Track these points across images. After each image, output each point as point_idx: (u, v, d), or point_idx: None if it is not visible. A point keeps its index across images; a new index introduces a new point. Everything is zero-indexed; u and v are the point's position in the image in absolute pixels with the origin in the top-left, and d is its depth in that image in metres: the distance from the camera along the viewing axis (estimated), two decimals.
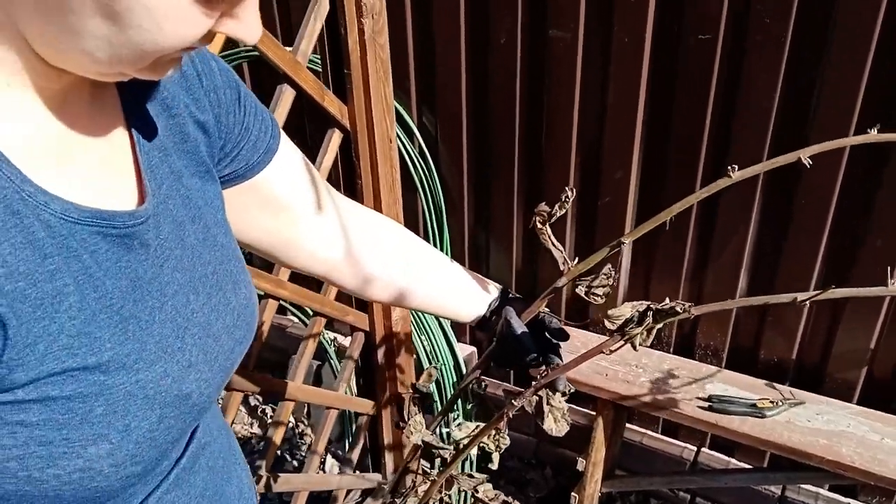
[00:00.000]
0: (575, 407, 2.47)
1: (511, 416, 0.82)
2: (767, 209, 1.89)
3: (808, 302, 0.58)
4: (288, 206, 0.84)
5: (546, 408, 0.82)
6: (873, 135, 0.72)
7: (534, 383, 0.81)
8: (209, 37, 0.54)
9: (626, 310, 0.69)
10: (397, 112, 2.26)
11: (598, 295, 0.74)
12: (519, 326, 0.89)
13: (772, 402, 1.89)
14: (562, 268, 0.78)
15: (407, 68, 2.22)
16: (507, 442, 0.96)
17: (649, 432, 2.38)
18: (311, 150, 1.64)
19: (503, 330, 0.91)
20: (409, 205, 2.31)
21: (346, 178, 1.69)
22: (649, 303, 0.68)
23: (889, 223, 1.75)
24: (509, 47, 2.01)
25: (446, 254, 2.38)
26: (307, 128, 2.47)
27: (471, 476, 0.93)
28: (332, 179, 1.69)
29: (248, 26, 0.54)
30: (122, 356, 0.56)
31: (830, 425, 1.84)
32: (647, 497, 2.41)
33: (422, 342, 2.36)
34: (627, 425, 2.34)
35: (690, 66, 1.81)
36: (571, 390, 0.81)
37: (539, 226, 0.78)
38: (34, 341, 0.50)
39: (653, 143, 1.96)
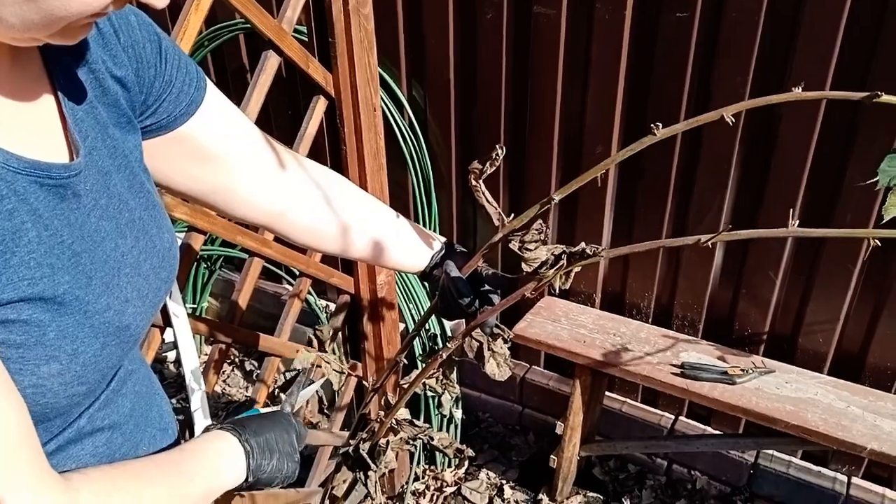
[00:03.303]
0: (558, 375, 2.54)
1: (445, 357, 0.86)
2: (742, 184, 1.95)
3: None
4: (217, 156, 0.86)
5: (487, 353, 0.86)
6: (797, 93, 0.77)
7: (468, 327, 0.85)
8: (119, 3, 0.57)
9: (541, 253, 0.74)
10: (388, 85, 2.32)
11: (530, 249, 0.78)
12: (456, 274, 0.93)
13: (742, 370, 1.96)
14: (496, 223, 0.82)
15: (397, 43, 2.27)
16: (456, 390, 1.00)
17: (629, 401, 2.45)
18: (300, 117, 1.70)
19: (444, 281, 0.94)
20: (398, 177, 2.37)
21: (332, 145, 1.75)
22: (564, 246, 0.73)
23: (857, 199, 1.80)
24: (495, 23, 2.06)
25: (434, 225, 2.44)
26: (301, 97, 2.53)
27: (412, 423, 0.98)
28: (319, 146, 1.75)
29: None
30: (75, 288, 0.63)
31: (798, 393, 1.91)
32: (626, 463, 2.48)
33: (410, 310, 2.43)
34: (608, 394, 2.41)
35: (669, 43, 1.86)
36: (510, 336, 0.85)
37: (473, 182, 0.81)
38: (1, 273, 0.57)
39: (632, 119, 2.01)
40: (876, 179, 0.70)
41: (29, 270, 0.59)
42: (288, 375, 1.06)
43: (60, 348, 0.62)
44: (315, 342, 1.04)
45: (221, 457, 0.82)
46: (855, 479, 2.16)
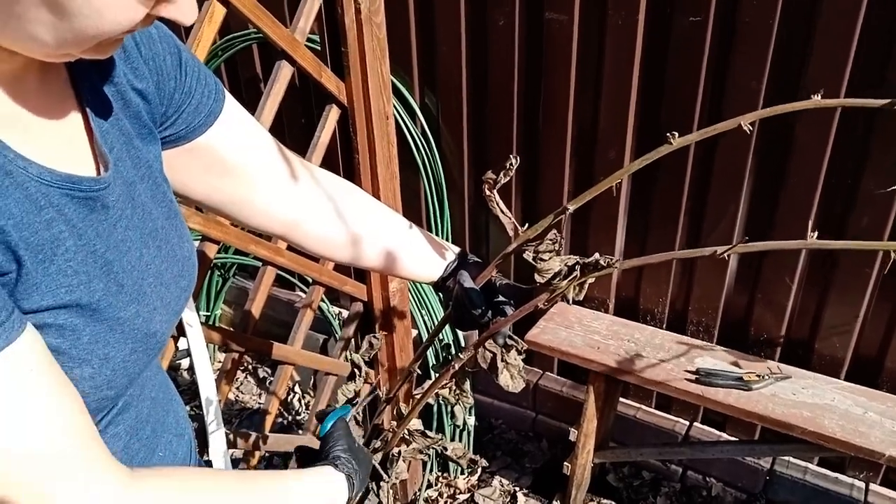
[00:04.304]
0: (571, 382, 2.53)
1: (458, 368, 0.86)
2: (757, 189, 1.93)
3: (731, 256, 0.62)
4: (236, 166, 0.87)
5: (501, 364, 0.85)
6: (815, 100, 0.76)
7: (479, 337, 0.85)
8: (149, 19, 0.59)
9: (555, 264, 0.74)
10: (400, 93, 2.32)
11: (544, 259, 0.78)
12: (469, 284, 0.93)
13: (758, 375, 1.94)
14: (510, 234, 0.81)
15: (409, 50, 2.28)
16: (470, 400, 1.00)
17: (643, 407, 2.43)
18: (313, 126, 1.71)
19: (457, 291, 0.94)
20: (411, 184, 2.37)
21: (345, 154, 1.75)
22: (577, 257, 0.73)
23: (874, 203, 1.78)
24: (507, 30, 2.06)
25: (447, 232, 2.44)
26: (314, 107, 2.54)
27: (425, 435, 0.98)
28: (332, 155, 1.76)
29: (183, 9, 0.59)
30: (108, 296, 0.65)
31: (815, 398, 1.89)
32: (640, 469, 2.46)
33: (422, 318, 2.43)
34: (622, 400, 2.40)
35: (682, 48, 1.86)
36: (524, 347, 0.85)
37: (487, 192, 0.81)
38: (39, 281, 0.59)
39: (645, 124, 2.00)
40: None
41: (66, 278, 0.61)
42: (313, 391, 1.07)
43: (93, 352, 0.64)
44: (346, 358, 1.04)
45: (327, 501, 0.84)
46: (873, 486, 2.14)
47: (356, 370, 1.02)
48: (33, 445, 0.56)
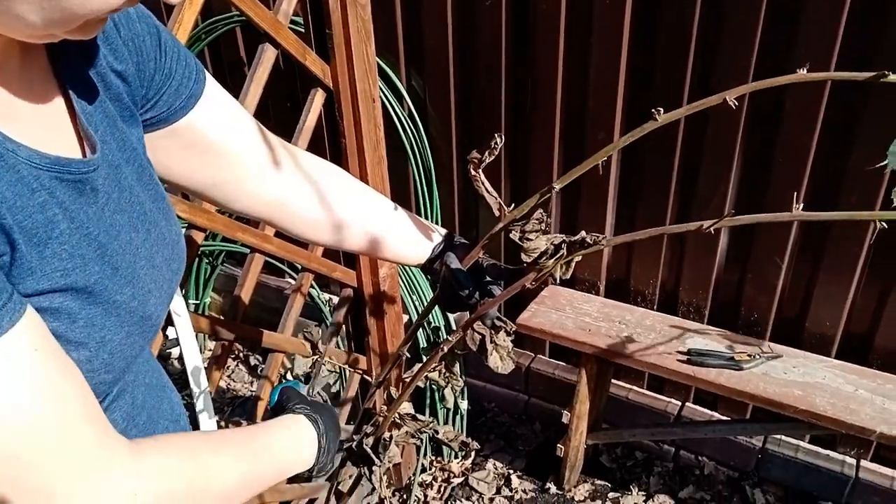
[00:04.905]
0: (563, 364, 2.53)
1: (447, 350, 0.85)
2: (747, 168, 1.93)
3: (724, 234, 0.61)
4: (217, 149, 0.86)
5: (490, 345, 0.83)
6: (802, 74, 0.75)
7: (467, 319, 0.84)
8: None
9: (541, 243, 0.73)
10: (387, 75, 2.30)
11: (530, 239, 0.76)
12: (456, 266, 0.92)
13: (749, 355, 1.94)
14: (497, 213, 0.80)
15: (395, 32, 2.25)
16: (461, 383, 0.99)
17: (635, 388, 2.44)
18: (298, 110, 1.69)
19: (444, 273, 0.94)
20: (399, 167, 2.35)
21: (332, 138, 1.73)
22: (563, 236, 0.72)
23: (862, 180, 1.78)
24: (494, 11, 2.04)
25: (436, 215, 2.43)
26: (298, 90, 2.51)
27: (415, 418, 0.97)
28: (318, 139, 1.74)
29: None
30: (103, 279, 0.65)
31: (806, 377, 1.89)
32: (633, 450, 2.47)
33: (413, 302, 2.43)
34: (614, 381, 2.40)
35: (671, 27, 1.84)
36: (513, 328, 0.84)
37: (472, 172, 0.79)
38: (34, 265, 0.58)
39: (634, 105, 1.99)
40: (885, 163, 0.68)
41: (61, 262, 0.60)
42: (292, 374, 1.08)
43: (90, 336, 0.63)
44: (308, 345, 1.04)
45: (300, 443, 0.88)
46: (864, 462, 2.16)
47: (312, 346, 1.02)
48: (42, 423, 0.56)
